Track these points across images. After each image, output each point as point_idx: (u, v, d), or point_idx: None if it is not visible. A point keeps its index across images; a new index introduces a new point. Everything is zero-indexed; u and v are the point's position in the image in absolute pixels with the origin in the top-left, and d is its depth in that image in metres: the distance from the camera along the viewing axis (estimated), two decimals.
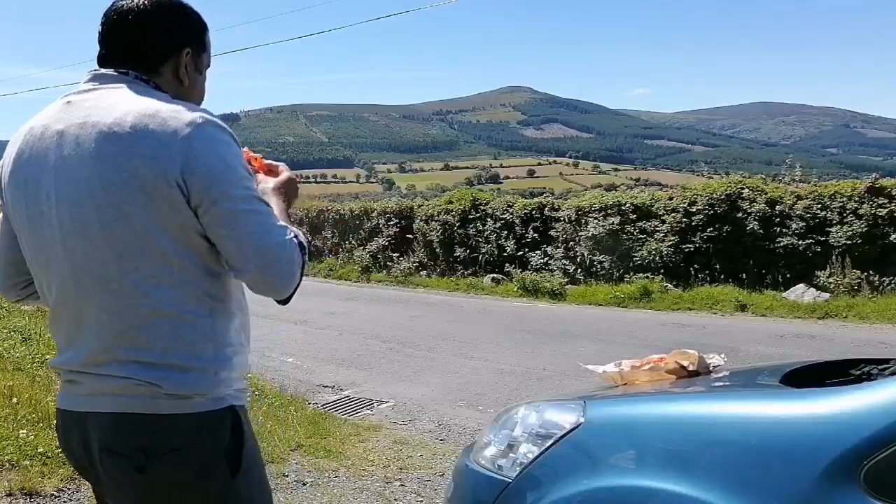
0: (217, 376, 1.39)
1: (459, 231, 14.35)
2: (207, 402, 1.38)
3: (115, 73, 1.42)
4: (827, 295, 9.50)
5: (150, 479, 1.36)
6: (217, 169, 1.31)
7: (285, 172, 1.59)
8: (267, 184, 1.52)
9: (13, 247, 1.49)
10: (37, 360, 5.76)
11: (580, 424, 1.80)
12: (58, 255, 1.38)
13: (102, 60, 1.45)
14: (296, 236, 1.39)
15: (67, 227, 1.35)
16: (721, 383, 2.27)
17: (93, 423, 1.39)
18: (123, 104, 1.34)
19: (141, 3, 1.43)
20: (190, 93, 1.49)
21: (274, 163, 1.62)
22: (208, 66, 1.56)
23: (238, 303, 1.48)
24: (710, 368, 2.36)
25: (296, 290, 1.40)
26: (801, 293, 9.65)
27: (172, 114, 1.32)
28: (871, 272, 9.50)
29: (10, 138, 1.47)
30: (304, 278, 1.42)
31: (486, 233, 13.93)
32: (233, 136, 1.38)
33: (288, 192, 1.55)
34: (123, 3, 1.43)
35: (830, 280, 9.75)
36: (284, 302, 1.42)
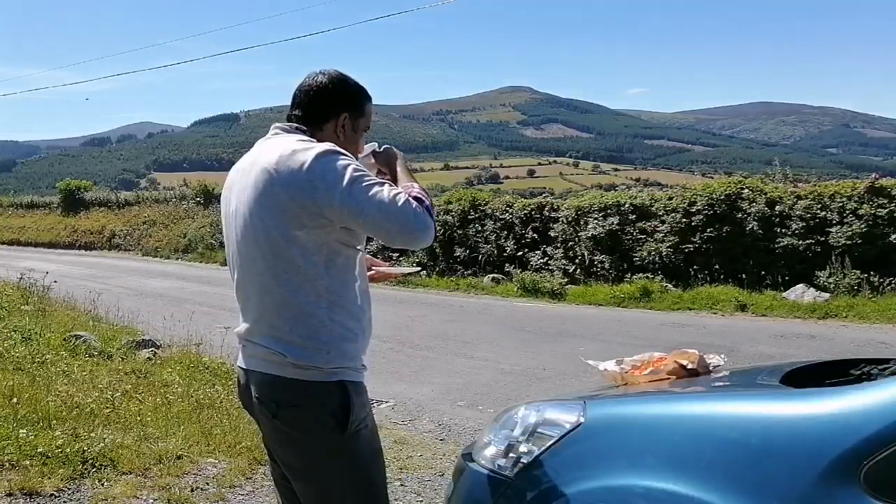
0: (329, 355, 1.80)
1: (459, 231, 14.35)
2: (322, 375, 1.80)
3: (287, 126, 1.93)
4: (827, 295, 9.49)
5: (280, 424, 1.84)
6: (334, 177, 1.72)
7: (371, 148, 2.02)
8: (371, 166, 1.96)
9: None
10: (37, 360, 5.75)
11: (580, 424, 1.81)
12: (235, 254, 1.91)
13: (288, 117, 1.96)
14: (409, 194, 1.76)
15: (239, 235, 1.88)
16: (721, 383, 2.27)
17: (251, 378, 1.90)
18: (278, 147, 1.82)
19: (318, 80, 1.95)
20: (344, 146, 1.86)
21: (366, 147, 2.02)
22: (366, 129, 2.00)
23: (356, 299, 1.87)
24: (710, 368, 2.36)
25: (434, 232, 1.78)
26: (801, 293, 9.65)
27: (302, 150, 1.77)
28: (871, 272, 9.50)
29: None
30: (431, 220, 1.77)
31: (485, 233, 13.93)
32: (343, 153, 1.78)
33: (387, 159, 2.00)
34: (311, 79, 1.96)
35: (830, 280, 9.74)
36: (430, 243, 1.81)
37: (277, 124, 1.95)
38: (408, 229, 1.73)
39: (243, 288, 1.91)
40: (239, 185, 1.88)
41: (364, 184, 1.73)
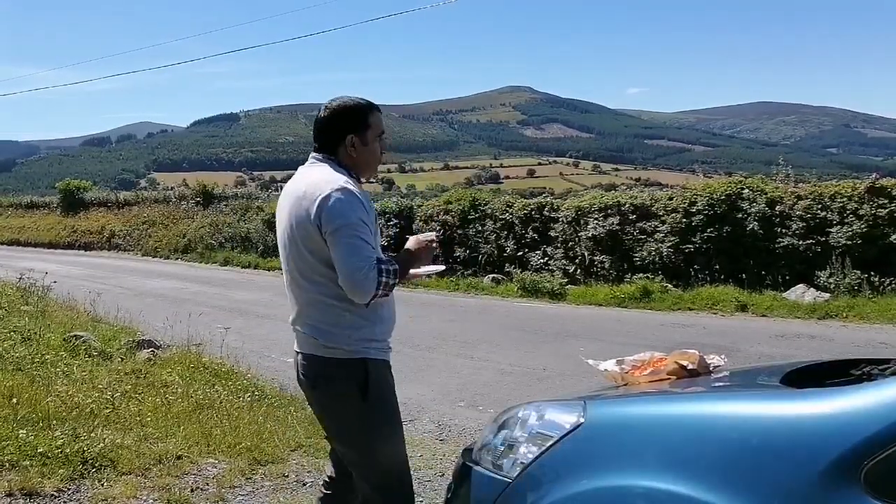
0: (351, 338, 2.27)
1: (459, 231, 14.34)
2: (346, 353, 2.28)
3: (319, 156, 2.36)
4: (827, 295, 9.48)
5: (318, 393, 2.39)
6: (333, 215, 2.18)
7: (421, 237, 2.49)
8: (409, 244, 2.45)
9: None
10: (36, 360, 5.75)
11: (580, 424, 1.80)
12: (283, 261, 2.39)
13: (314, 149, 2.39)
14: (381, 268, 2.19)
15: (283, 243, 2.37)
16: (721, 383, 2.27)
17: (298, 357, 2.40)
18: (309, 177, 2.30)
19: (322, 114, 2.38)
20: (359, 160, 2.36)
21: (427, 236, 2.50)
22: (380, 134, 2.40)
23: (379, 300, 2.25)
24: (710, 368, 2.36)
25: (373, 298, 2.20)
26: (801, 293, 9.64)
27: (323, 183, 2.23)
28: (871, 272, 9.49)
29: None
30: (382, 291, 2.21)
31: (485, 233, 13.92)
32: (354, 194, 2.22)
33: (418, 252, 2.44)
34: (318, 114, 2.39)
35: (831, 280, 9.73)
36: (366, 304, 2.23)
37: (314, 154, 2.39)
38: (349, 284, 2.17)
39: (289, 287, 2.39)
40: (286, 204, 2.35)
41: (354, 232, 2.17)
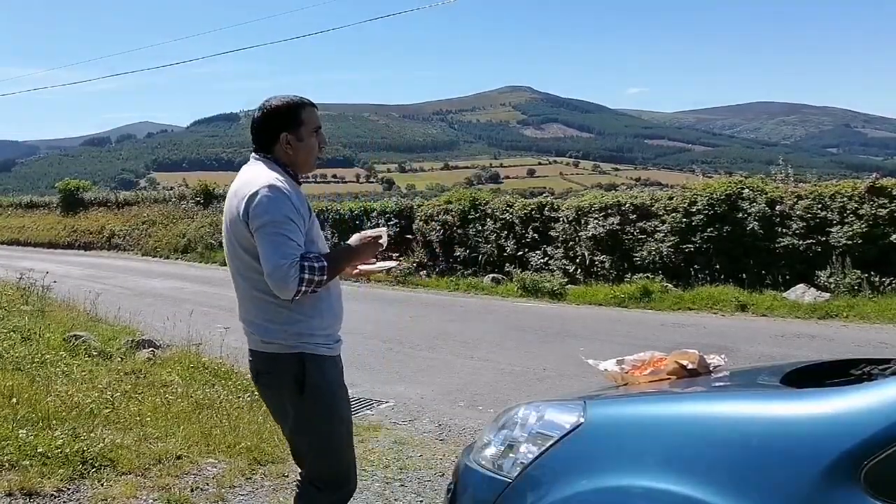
0: (287, 333, 2.30)
1: (459, 231, 14.34)
2: (284, 348, 2.32)
3: (257, 155, 2.41)
4: (827, 295, 9.48)
5: (261, 388, 2.51)
6: (259, 211, 2.22)
7: (365, 234, 2.53)
8: (350, 240, 2.50)
9: None
10: (36, 360, 5.74)
11: (580, 424, 1.80)
12: (225, 256, 2.44)
13: (252, 150, 2.44)
14: (304, 264, 2.19)
15: (224, 240, 2.42)
16: (721, 383, 2.27)
17: (250, 352, 2.45)
18: (244, 176, 2.36)
19: (256, 115, 2.42)
20: (296, 156, 2.39)
21: (373, 232, 2.52)
22: (316, 128, 2.42)
23: (315, 294, 2.29)
24: (711, 368, 2.36)
25: (297, 294, 2.20)
26: (801, 293, 9.64)
27: (253, 181, 2.28)
28: (871, 272, 9.49)
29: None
30: (306, 287, 2.21)
31: (485, 233, 13.92)
32: (282, 192, 2.24)
33: (358, 248, 2.48)
34: (253, 116, 2.43)
35: (831, 280, 9.74)
36: (290, 300, 2.23)
37: (253, 153, 2.44)
38: (271, 280, 2.19)
39: (233, 283, 2.44)
40: (226, 204, 2.40)
41: (277, 229, 2.20)
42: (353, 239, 2.50)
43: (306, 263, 2.20)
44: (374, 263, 2.61)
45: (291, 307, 2.27)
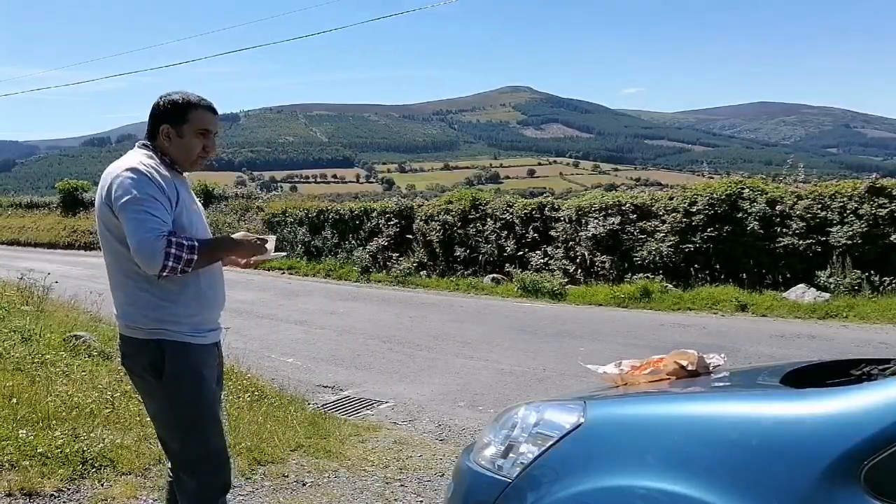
0: (147, 318, 2.35)
1: (459, 231, 14.34)
2: (144, 333, 2.36)
3: (140, 142, 2.47)
4: (827, 295, 9.48)
5: (127, 372, 2.52)
6: (120, 192, 2.26)
7: (252, 235, 2.62)
8: (235, 235, 2.61)
9: None
10: (36, 360, 5.74)
11: (580, 425, 1.80)
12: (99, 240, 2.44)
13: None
14: (172, 240, 2.21)
15: (97, 226, 2.41)
16: (721, 383, 2.27)
17: (119, 337, 2.48)
18: (115, 162, 2.39)
19: (153, 104, 2.47)
20: (173, 150, 2.44)
21: (257, 237, 2.60)
22: (204, 131, 2.45)
23: (179, 280, 2.33)
24: (710, 368, 2.36)
25: (164, 269, 2.21)
26: (801, 293, 9.64)
27: (119, 166, 2.32)
28: (871, 272, 9.49)
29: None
30: (173, 263, 2.22)
31: (486, 233, 13.92)
32: (143, 174, 2.28)
33: (239, 242, 2.55)
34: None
35: (831, 280, 9.74)
36: (157, 277, 2.26)
37: (137, 140, 2.50)
38: (136, 254, 2.21)
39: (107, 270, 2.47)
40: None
41: (140, 206, 2.23)
42: (238, 234, 2.61)
43: (174, 239, 2.23)
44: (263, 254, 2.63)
45: (152, 291, 2.32)
